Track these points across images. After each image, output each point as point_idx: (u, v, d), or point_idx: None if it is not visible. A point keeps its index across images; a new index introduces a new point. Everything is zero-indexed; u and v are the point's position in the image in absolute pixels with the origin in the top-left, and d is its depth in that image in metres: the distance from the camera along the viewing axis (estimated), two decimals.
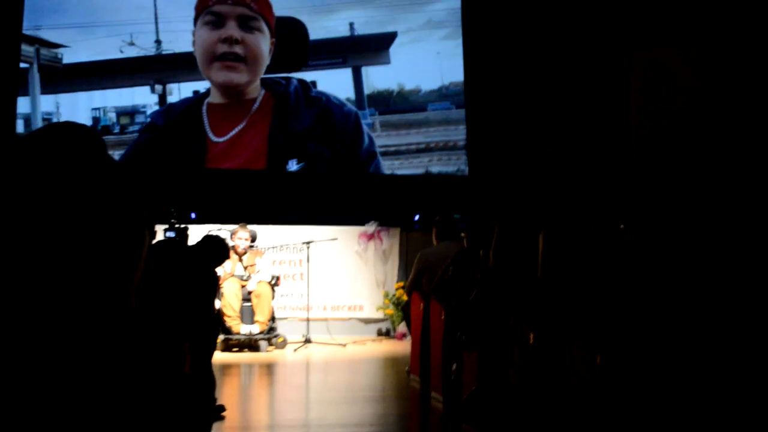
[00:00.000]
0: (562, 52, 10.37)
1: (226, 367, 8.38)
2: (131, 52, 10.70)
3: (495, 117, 10.76)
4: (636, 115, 9.14)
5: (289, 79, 10.76)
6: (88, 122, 10.45)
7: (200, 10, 10.59)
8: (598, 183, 9.02)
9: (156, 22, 10.69)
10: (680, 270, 3.86)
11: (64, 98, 10.66)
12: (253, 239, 9.82)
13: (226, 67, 10.47)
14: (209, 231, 8.23)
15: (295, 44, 10.74)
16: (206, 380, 5.73)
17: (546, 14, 10.49)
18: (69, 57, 10.65)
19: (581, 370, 4.14)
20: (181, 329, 4.87)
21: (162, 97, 10.72)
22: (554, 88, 10.38)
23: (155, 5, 10.70)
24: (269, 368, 8.72)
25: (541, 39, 10.51)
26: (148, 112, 10.70)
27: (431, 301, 6.87)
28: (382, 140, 10.85)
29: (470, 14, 10.98)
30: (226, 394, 6.97)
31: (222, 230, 9.39)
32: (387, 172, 10.83)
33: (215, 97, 10.64)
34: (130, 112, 10.72)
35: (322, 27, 10.86)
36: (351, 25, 10.91)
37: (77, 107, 10.65)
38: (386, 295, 10.40)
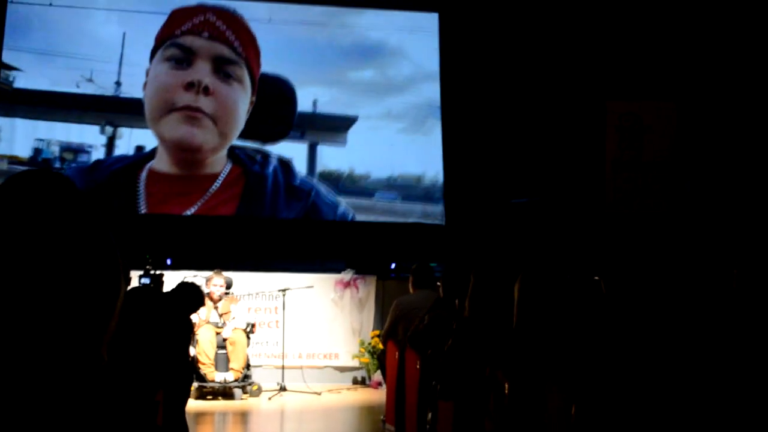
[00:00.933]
0: (539, 103, 10.51)
1: (199, 416, 8.29)
2: (88, 89, 9.94)
3: (472, 166, 10.85)
4: (611, 167, 9.24)
5: (267, 156, 9.62)
6: (29, 152, 9.94)
7: (163, 40, 9.15)
8: (574, 234, 9.08)
9: (120, 63, 9.95)
10: (654, 322, 3.89)
11: (8, 123, 10.05)
12: (229, 286, 9.77)
13: (189, 119, 8.86)
14: (184, 278, 8.19)
15: (279, 110, 9.69)
16: (179, 429, 5.67)
17: (524, 65, 10.64)
18: (22, 82, 10.05)
19: (556, 420, 4.14)
20: (155, 377, 4.83)
21: (111, 140, 9.75)
22: (531, 138, 10.50)
23: (123, 46, 9.95)
24: (243, 417, 8.64)
25: (518, 89, 10.65)
26: (93, 155, 9.74)
27: (406, 349, 6.85)
28: None
29: (449, 57, 11.12)
30: None
31: (197, 277, 9.34)
32: None
33: (162, 163, 9.24)
34: (75, 150, 9.80)
35: None
36: (315, 102, 10.59)
37: (21, 134, 9.93)
38: (362, 343, 10.35)
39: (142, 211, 9.00)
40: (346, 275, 10.51)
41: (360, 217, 10.61)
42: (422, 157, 10.88)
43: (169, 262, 10.02)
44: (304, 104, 10.62)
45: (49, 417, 1.05)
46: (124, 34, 10.05)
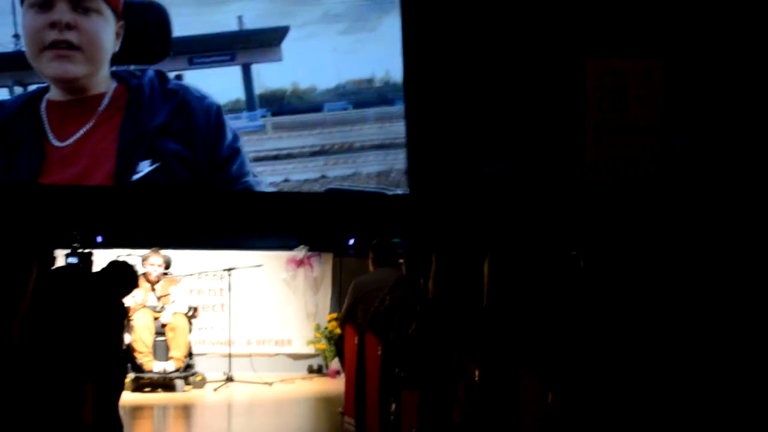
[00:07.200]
0: (512, 58, 10.49)
1: (136, 410, 8.29)
2: None
3: (438, 129, 10.84)
4: (592, 131, 9.26)
5: (144, 70, 10.46)
6: None
7: None
8: (551, 205, 9.12)
9: (14, 13, 10.10)
10: (637, 300, 3.91)
11: None
12: (167, 266, 9.73)
13: (59, 57, 9.93)
14: (117, 256, 8.14)
15: (153, 32, 10.42)
16: (111, 426, 5.64)
17: (496, 17, 10.62)
18: None
19: (531, 409, 4.17)
20: (82, 368, 4.79)
21: None
22: (503, 99, 10.49)
23: None
24: (186, 410, 8.65)
25: (490, 43, 10.62)
26: None
27: (366, 334, 6.87)
28: (274, 143, 10.85)
29: (410, 12, 11.09)
30: None
31: (132, 256, 9.28)
32: (279, 177, 10.88)
33: (56, 94, 10.21)
34: None
35: (208, 21, 10.71)
36: (240, 18, 10.80)
37: None
38: (317, 327, 10.38)
39: (50, 137, 10.08)
40: (299, 252, 10.51)
41: (306, 134, 11.02)
42: (369, 57, 11.14)
43: (99, 239, 9.94)
44: (229, 24, 10.80)
45: None
46: None
